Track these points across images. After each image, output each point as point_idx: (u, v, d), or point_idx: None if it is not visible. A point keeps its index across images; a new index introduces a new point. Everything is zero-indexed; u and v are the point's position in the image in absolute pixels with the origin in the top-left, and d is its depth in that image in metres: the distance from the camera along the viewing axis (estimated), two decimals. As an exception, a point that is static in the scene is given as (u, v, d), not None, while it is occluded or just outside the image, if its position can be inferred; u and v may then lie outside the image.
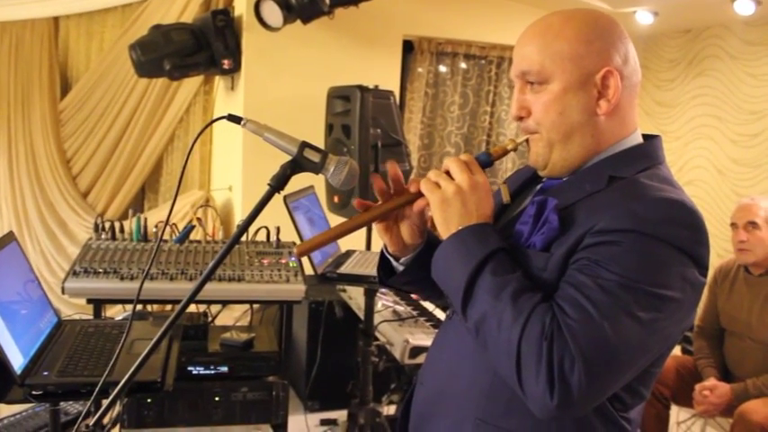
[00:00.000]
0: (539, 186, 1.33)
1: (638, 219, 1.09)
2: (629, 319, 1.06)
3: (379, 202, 1.31)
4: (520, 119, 1.26)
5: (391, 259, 1.42)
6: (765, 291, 3.06)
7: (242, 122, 1.31)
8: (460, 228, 1.19)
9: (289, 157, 1.30)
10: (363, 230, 3.61)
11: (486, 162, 1.27)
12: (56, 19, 4.94)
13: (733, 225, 3.12)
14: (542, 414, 1.07)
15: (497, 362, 1.12)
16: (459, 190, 1.20)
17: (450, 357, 1.34)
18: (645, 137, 1.29)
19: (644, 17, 4.72)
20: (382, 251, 1.44)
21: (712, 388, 3.00)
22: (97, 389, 1.37)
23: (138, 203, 5.18)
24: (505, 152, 1.29)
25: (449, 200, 1.20)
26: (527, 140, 1.27)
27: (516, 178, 1.44)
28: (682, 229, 1.10)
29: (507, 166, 5.12)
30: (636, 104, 1.27)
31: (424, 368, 1.44)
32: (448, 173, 1.23)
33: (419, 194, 1.25)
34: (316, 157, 1.30)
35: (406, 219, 1.33)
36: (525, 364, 1.06)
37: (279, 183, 1.29)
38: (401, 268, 1.41)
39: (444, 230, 1.21)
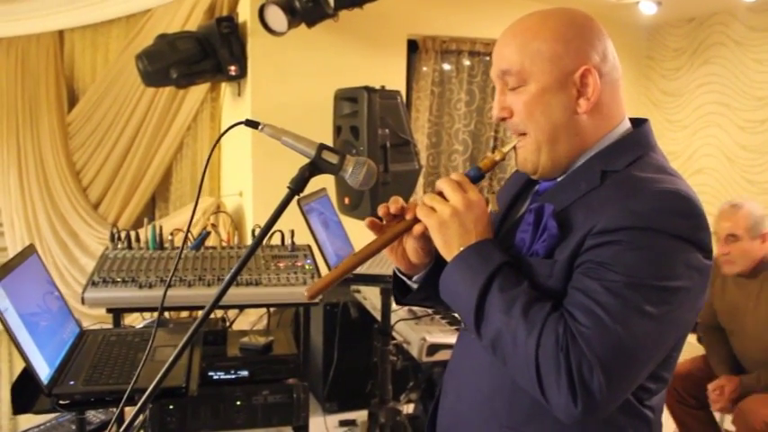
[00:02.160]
0: (536, 188, 1.34)
1: (635, 215, 1.09)
2: (640, 317, 1.06)
3: (384, 225, 1.31)
4: (503, 119, 1.26)
5: (404, 278, 1.43)
6: (755, 290, 3.00)
7: (260, 127, 1.32)
8: (462, 249, 1.19)
9: (297, 160, 1.30)
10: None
11: (478, 177, 1.28)
12: (61, 32, 4.97)
13: (714, 234, 3.00)
14: (570, 421, 1.08)
15: (518, 376, 1.13)
16: (454, 211, 1.20)
17: (470, 367, 1.35)
18: (634, 122, 1.29)
19: (647, 7, 4.71)
20: (395, 271, 1.44)
21: (724, 385, 2.99)
22: (125, 396, 1.38)
23: (149, 212, 5.20)
24: (495, 163, 1.29)
25: (446, 222, 1.20)
26: (514, 148, 1.27)
27: (512, 183, 1.45)
28: (679, 218, 1.11)
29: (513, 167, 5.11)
30: (620, 97, 1.27)
31: (446, 379, 1.44)
32: (441, 194, 1.23)
33: (417, 220, 1.25)
34: (334, 159, 1.31)
35: (409, 241, 1.33)
36: (545, 376, 1.07)
37: (298, 185, 1.29)
38: (415, 286, 1.41)
39: (446, 253, 1.21)
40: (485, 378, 1.28)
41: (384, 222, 1.31)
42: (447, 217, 1.20)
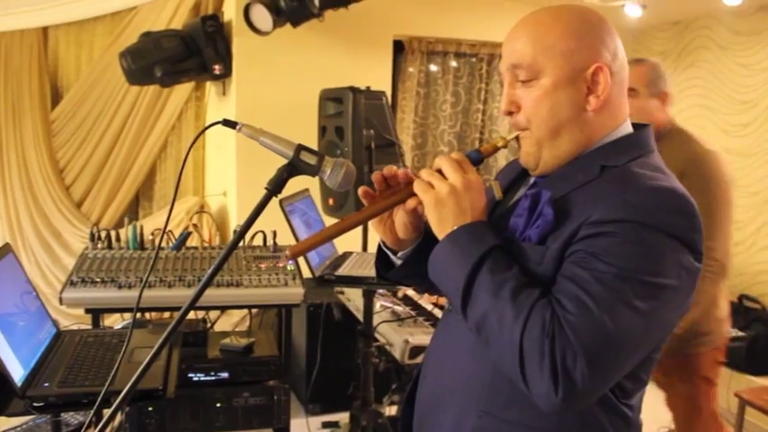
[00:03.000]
0: (533, 178, 1.33)
1: (632, 208, 1.09)
2: (628, 310, 1.06)
3: (377, 195, 1.30)
4: (510, 114, 1.26)
5: (389, 253, 1.42)
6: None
7: (237, 127, 1.30)
8: (455, 227, 1.18)
9: (281, 160, 1.29)
10: (360, 232, 3.61)
11: (477, 160, 1.27)
12: (45, 29, 4.92)
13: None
14: (549, 409, 1.07)
15: (501, 360, 1.13)
16: (453, 190, 1.19)
17: (451, 350, 1.34)
18: (635, 126, 1.29)
19: (632, 10, 4.71)
20: (380, 245, 1.44)
21: None
22: (99, 398, 1.36)
23: (133, 212, 5.17)
24: (496, 149, 1.29)
25: (443, 200, 1.19)
26: (517, 138, 1.27)
27: (509, 170, 1.44)
28: (674, 217, 1.11)
29: (500, 164, 5.12)
30: (625, 97, 1.27)
31: (426, 362, 1.43)
32: (440, 172, 1.22)
33: (411, 194, 1.24)
34: (312, 160, 1.29)
35: (399, 214, 1.33)
36: (528, 362, 1.06)
37: (276, 186, 1.28)
38: (399, 262, 1.41)
39: (440, 231, 1.20)
40: (466, 361, 1.28)
41: (377, 193, 1.29)
42: (445, 195, 1.19)
